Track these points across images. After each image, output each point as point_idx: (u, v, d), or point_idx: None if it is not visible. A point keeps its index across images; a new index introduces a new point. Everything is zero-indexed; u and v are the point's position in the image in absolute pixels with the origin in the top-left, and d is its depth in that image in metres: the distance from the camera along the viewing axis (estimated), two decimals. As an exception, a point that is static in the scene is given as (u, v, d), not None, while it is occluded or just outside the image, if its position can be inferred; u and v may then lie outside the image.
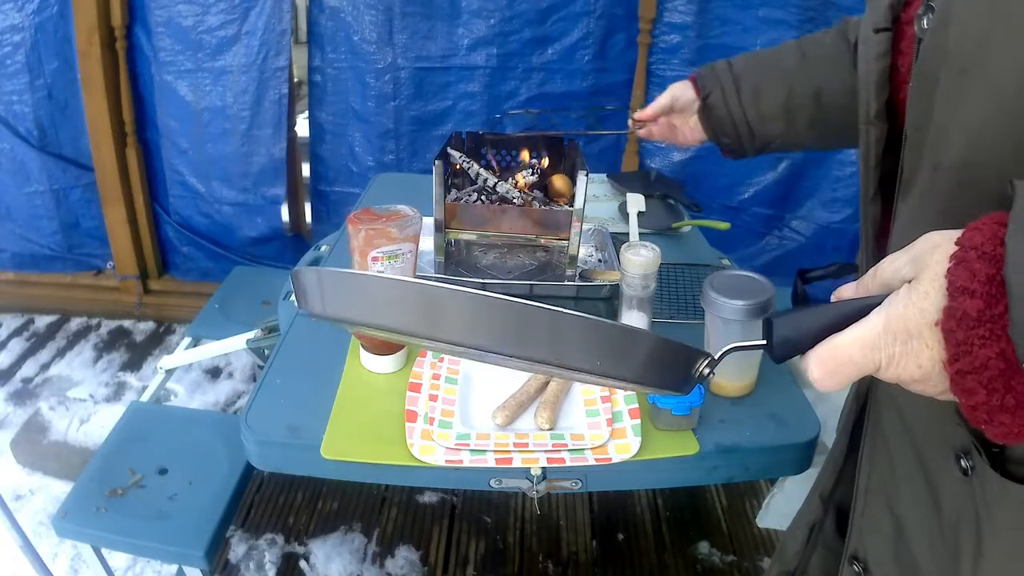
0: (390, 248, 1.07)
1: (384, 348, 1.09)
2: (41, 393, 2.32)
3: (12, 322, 2.71)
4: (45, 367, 2.47)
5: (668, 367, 0.49)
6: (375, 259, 1.07)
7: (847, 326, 0.45)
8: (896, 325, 0.42)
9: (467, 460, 0.94)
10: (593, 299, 1.32)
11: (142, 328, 2.71)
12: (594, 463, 0.95)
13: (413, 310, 0.46)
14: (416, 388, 1.05)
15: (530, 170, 1.37)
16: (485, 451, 0.95)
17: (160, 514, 1.27)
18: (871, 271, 0.47)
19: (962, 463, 0.51)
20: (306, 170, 2.65)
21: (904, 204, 0.56)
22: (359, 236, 1.05)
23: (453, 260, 1.36)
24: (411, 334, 0.47)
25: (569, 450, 0.96)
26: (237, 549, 1.75)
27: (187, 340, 2.05)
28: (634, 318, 1.13)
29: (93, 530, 1.28)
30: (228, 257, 2.60)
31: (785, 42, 1.03)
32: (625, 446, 0.96)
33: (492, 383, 1.08)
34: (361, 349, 1.11)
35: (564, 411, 1.03)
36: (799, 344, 0.47)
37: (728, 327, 0.99)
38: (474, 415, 1.02)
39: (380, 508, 1.90)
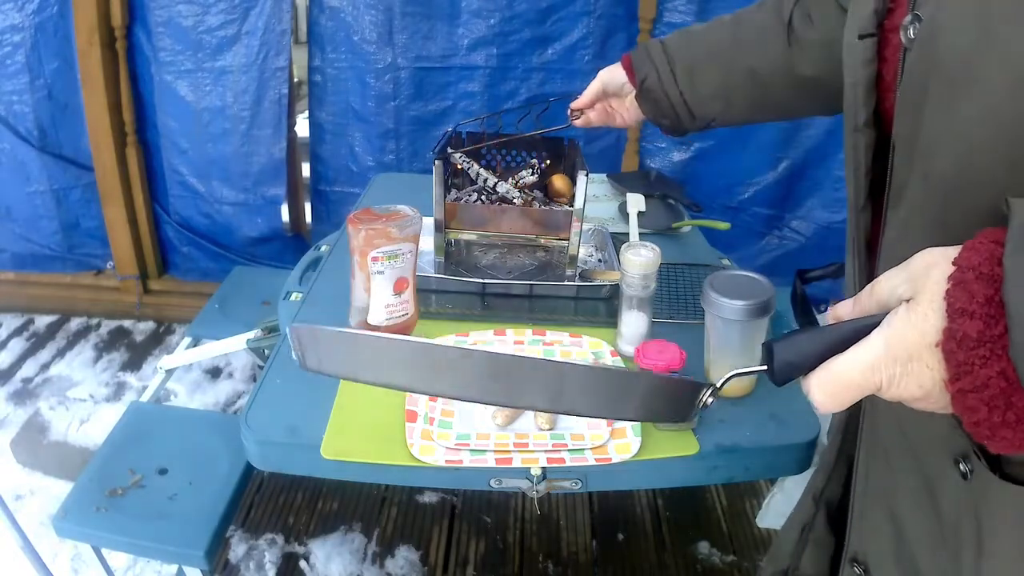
0: (390, 248, 1.07)
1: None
2: (41, 393, 2.31)
3: (12, 322, 2.70)
4: (45, 367, 2.47)
5: (672, 403, 0.50)
6: (375, 259, 1.07)
7: (846, 348, 0.45)
8: (896, 347, 0.42)
9: (467, 460, 0.94)
10: (593, 299, 1.32)
11: (142, 328, 2.71)
12: (594, 463, 0.95)
13: (412, 368, 0.47)
14: (416, 388, 1.05)
15: (530, 170, 1.37)
16: (485, 451, 0.95)
17: (160, 514, 1.27)
18: (867, 288, 0.46)
19: (961, 467, 0.51)
20: (306, 170, 2.65)
21: (895, 213, 0.56)
22: (359, 236, 1.05)
23: (453, 260, 1.36)
24: (415, 391, 0.47)
25: (569, 450, 0.96)
26: (237, 549, 1.75)
27: (187, 340, 2.04)
28: (634, 318, 1.13)
29: (93, 530, 1.28)
30: (228, 257, 2.60)
31: (718, 17, 1.01)
32: (625, 446, 0.96)
33: (492, 383, 1.07)
34: (361, 349, 1.11)
35: (564, 411, 1.03)
36: (800, 367, 0.47)
37: (728, 327, 0.99)
38: (474, 415, 1.02)
39: (380, 508, 1.90)
